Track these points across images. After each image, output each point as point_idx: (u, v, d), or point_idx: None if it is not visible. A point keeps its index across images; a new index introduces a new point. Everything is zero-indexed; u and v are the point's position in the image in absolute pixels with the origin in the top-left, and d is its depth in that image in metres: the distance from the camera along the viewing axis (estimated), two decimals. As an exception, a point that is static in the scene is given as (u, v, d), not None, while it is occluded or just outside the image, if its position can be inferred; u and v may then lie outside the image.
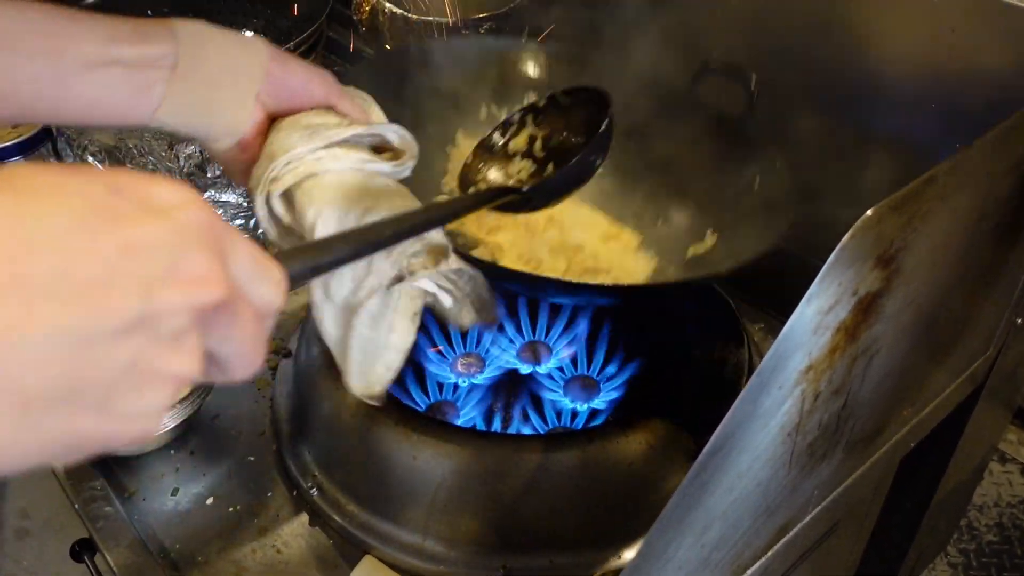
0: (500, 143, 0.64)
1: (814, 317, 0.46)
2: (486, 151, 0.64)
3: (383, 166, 0.52)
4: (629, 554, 0.63)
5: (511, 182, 0.61)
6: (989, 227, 0.62)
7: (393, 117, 0.58)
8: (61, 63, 0.46)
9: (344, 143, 0.51)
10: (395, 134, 0.53)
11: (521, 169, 0.63)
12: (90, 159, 0.75)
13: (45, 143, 0.84)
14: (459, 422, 0.71)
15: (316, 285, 0.50)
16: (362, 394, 0.51)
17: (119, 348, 0.27)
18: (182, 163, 0.75)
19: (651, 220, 0.78)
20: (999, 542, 1.50)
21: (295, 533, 0.66)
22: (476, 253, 0.70)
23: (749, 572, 0.61)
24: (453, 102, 0.80)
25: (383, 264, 0.49)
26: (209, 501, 0.68)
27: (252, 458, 0.70)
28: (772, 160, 0.72)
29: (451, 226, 0.60)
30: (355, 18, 1.05)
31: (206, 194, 0.77)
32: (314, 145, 0.50)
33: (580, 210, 0.76)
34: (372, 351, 0.50)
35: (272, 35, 0.84)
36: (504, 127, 0.65)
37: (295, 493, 0.68)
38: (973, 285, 0.68)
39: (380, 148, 0.54)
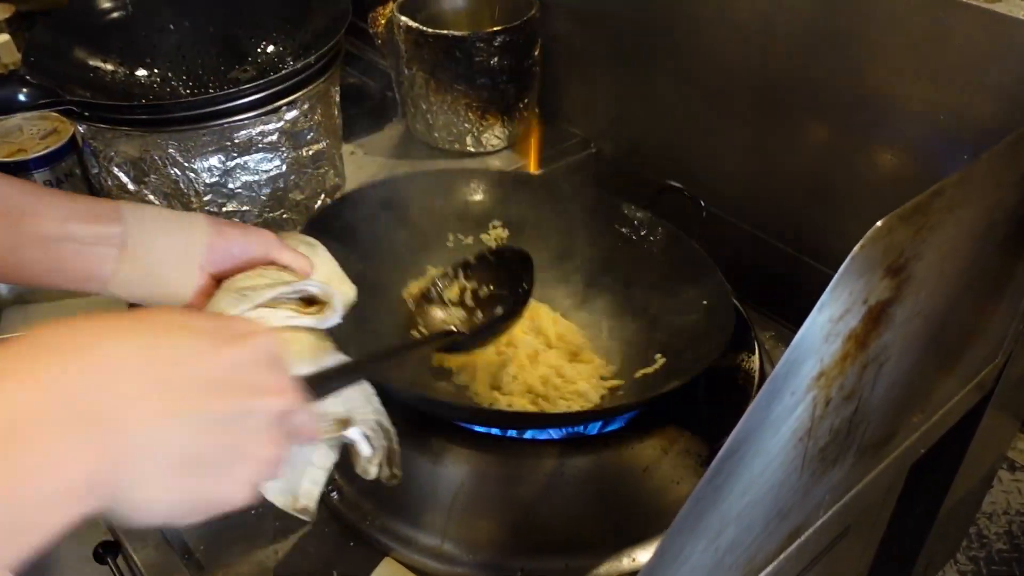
0: (437, 294, 0.75)
1: (825, 325, 0.47)
2: (426, 301, 0.75)
3: (306, 320, 0.56)
4: (643, 556, 0.64)
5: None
6: (997, 237, 0.63)
7: (361, 255, 0.68)
8: (19, 236, 0.52)
9: (272, 302, 0.55)
10: (316, 287, 0.57)
11: (453, 316, 0.74)
12: (115, 170, 0.77)
13: (71, 154, 0.86)
14: (477, 428, 0.73)
15: None
16: (287, 507, 0.54)
17: (227, 432, 0.38)
18: (203, 175, 0.77)
19: (608, 339, 0.81)
20: (1009, 550, 1.50)
21: (317, 536, 0.67)
22: (456, 379, 0.75)
23: (761, 575, 0.62)
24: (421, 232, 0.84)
25: None
26: (232, 504, 0.69)
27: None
28: (719, 285, 0.75)
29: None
30: (371, 31, 1.06)
31: (229, 204, 0.79)
32: (242, 308, 0.53)
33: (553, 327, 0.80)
34: (298, 466, 0.53)
35: (292, 49, 0.85)
36: (441, 280, 0.76)
37: (315, 496, 0.70)
38: (981, 294, 0.69)
39: (312, 300, 0.58)
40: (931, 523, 1.01)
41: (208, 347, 0.38)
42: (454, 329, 0.72)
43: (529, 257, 0.75)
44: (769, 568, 0.62)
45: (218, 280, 0.57)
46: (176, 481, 0.36)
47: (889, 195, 0.77)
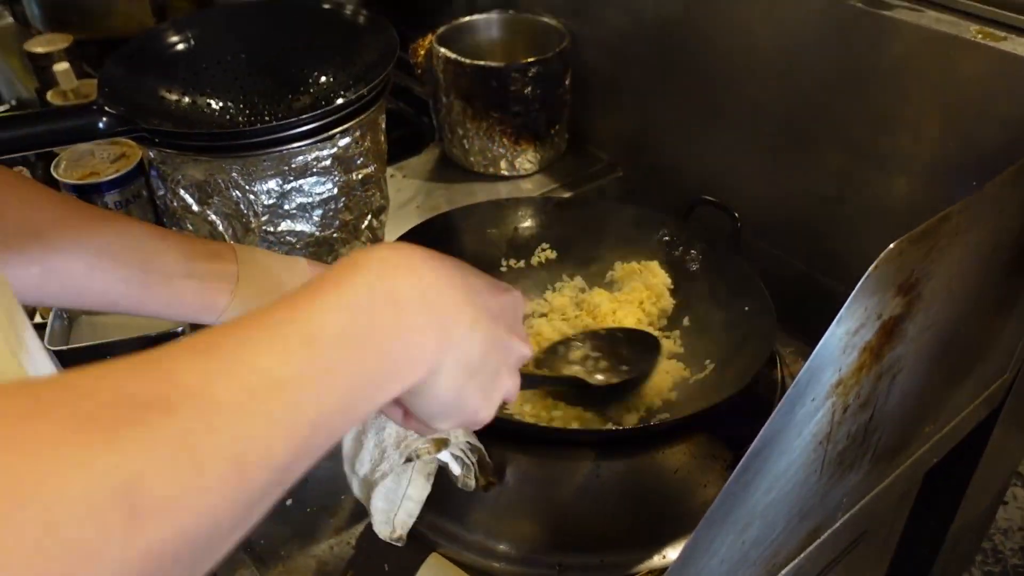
0: (563, 352, 0.81)
1: (843, 337, 0.52)
2: (551, 353, 0.81)
3: None
4: (672, 553, 0.68)
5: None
6: (1002, 259, 0.68)
7: None
8: (149, 273, 0.59)
9: None
10: None
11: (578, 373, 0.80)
12: (181, 192, 0.83)
13: (139, 177, 0.92)
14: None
15: (346, 461, 0.66)
16: (387, 537, 0.64)
17: (497, 354, 0.48)
18: (262, 197, 0.83)
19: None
20: (1024, 566, 1.53)
21: (369, 532, 0.72)
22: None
23: (783, 572, 0.67)
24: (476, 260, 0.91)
25: (393, 453, 0.62)
26: (288, 503, 0.75)
27: (328, 463, 0.77)
28: (759, 292, 0.80)
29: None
30: (411, 61, 1.13)
31: (284, 223, 0.85)
32: None
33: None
34: (394, 500, 0.63)
35: (344, 80, 0.91)
36: (568, 342, 0.82)
37: (366, 497, 0.75)
38: (989, 311, 0.74)
39: None
40: (944, 534, 1.04)
41: (491, 288, 0.50)
42: (585, 381, 0.77)
43: (657, 341, 0.82)
44: (790, 567, 0.67)
45: None
46: (461, 381, 0.45)
47: (902, 218, 0.82)
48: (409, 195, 1.09)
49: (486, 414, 0.49)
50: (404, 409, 0.49)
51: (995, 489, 1.14)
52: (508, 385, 0.50)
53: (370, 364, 0.39)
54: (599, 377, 0.78)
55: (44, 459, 0.25)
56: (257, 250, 0.65)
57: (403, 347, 0.41)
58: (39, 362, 0.42)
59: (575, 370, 0.79)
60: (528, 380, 0.59)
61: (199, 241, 0.64)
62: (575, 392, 0.77)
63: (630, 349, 0.80)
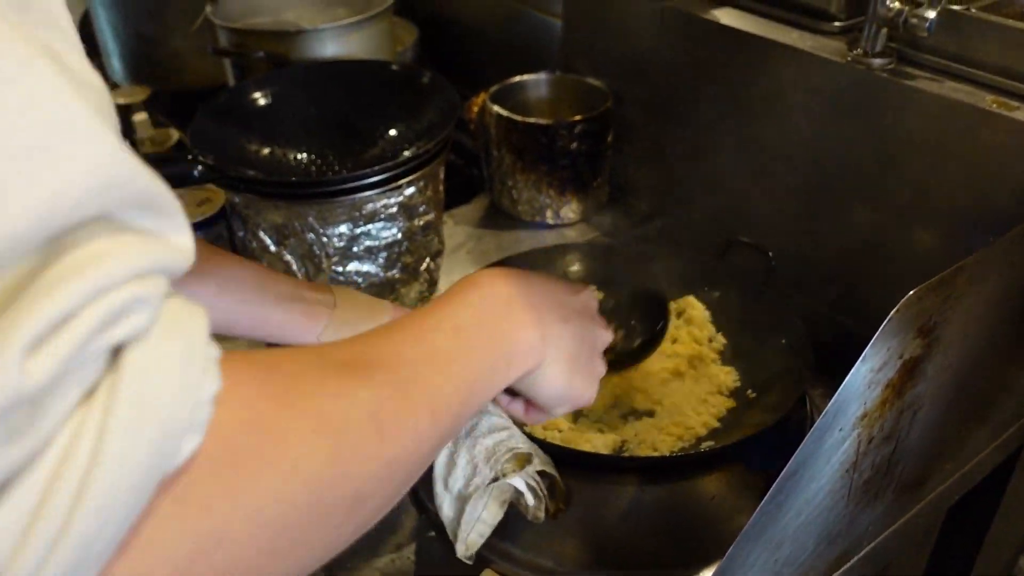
0: None
1: (867, 374, 0.57)
2: None
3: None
4: (707, 574, 0.74)
5: None
6: (1015, 306, 0.74)
7: None
8: (265, 296, 0.70)
9: None
10: None
11: None
12: (260, 233, 0.91)
13: (221, 221, 1.01)
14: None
15: (438, 480, 0.72)
16: (462, 555, 0.71)
17: (588, 343, 0.59)
18: (335, 240, 0.91)
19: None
20: (1050, 616, 1.54)
21: (426, 548, 0.78)
22: None
23: (812, 595, 0.72)
24: None
25: (485, 468, 0.69)
26: (353, 520, 0.81)
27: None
28: (796, 327, 0.86)
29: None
30: (465, 117, 1.21)
31: (351, 264, 0.93)
32: None
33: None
34: (471, 523, 0.70)
35: (409, 138, 1.00)
36: None
37: (423, 516, 0.81)
38: (1005, 355, 0.79)
39: None
40: (967, 573, 1.08)
41: (569, 289, 0.61)
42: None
43: (664, 298, 0.89)
44: (818, 590, 0.72)
45: None
46: (564, 370, 0.57)
47: (923, 267, 0.87)
48: (460, 240, 1.17)
49: (590, 395, 0.60)
50: (526, 402, 0.61)
51: (1018, 534, 1.18)
52: (600, 367, 0.61)
53: (497, 344, 0.52)
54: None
55: (329, 390, 0.38)
56: (347, 288, 0.75)
57: (517, 336, 0.53)
58: None
59: None
60: None
61: (296, 278, 0.73)
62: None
63: (638, 313, 0.87)
